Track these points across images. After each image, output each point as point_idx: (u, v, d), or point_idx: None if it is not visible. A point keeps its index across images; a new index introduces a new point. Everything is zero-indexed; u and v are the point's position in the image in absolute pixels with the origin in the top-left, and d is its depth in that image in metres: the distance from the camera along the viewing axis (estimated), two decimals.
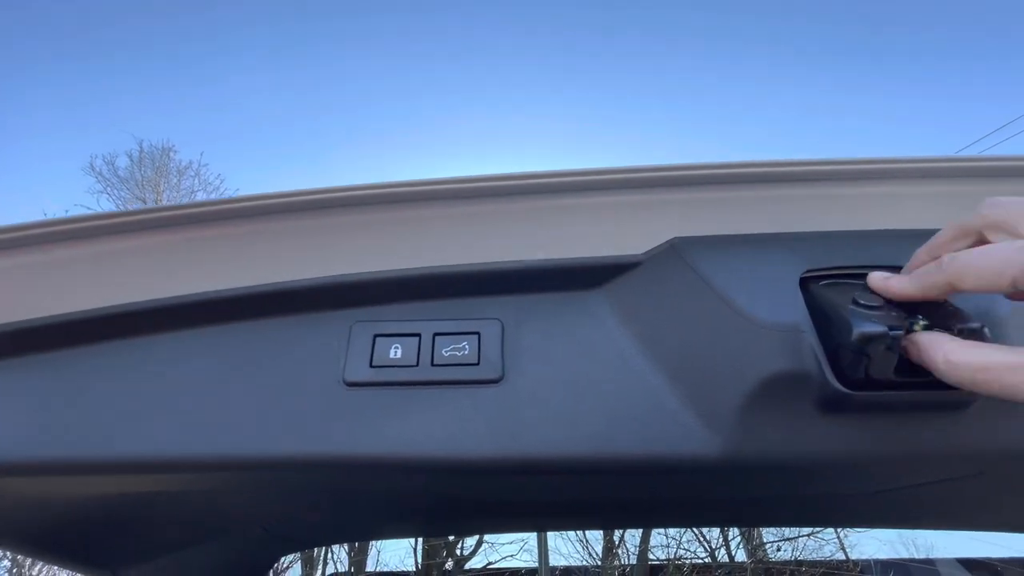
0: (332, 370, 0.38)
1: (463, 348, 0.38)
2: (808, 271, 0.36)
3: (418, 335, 0.39)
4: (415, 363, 0.38)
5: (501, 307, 0.40)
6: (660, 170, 0.39)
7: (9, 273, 0.39)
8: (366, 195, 0.39)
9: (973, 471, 0.37)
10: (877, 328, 0.31)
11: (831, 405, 0.33)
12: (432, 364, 0.37)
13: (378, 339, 0.39)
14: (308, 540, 0.72)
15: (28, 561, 4.09)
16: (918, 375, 0.32)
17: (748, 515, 0.67)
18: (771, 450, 0.34)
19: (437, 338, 0.38)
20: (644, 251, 0.39)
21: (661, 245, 0.39)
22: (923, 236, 0.33)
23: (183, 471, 0.37)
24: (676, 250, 0.39)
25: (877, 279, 0.33)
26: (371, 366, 0.38)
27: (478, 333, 0.38)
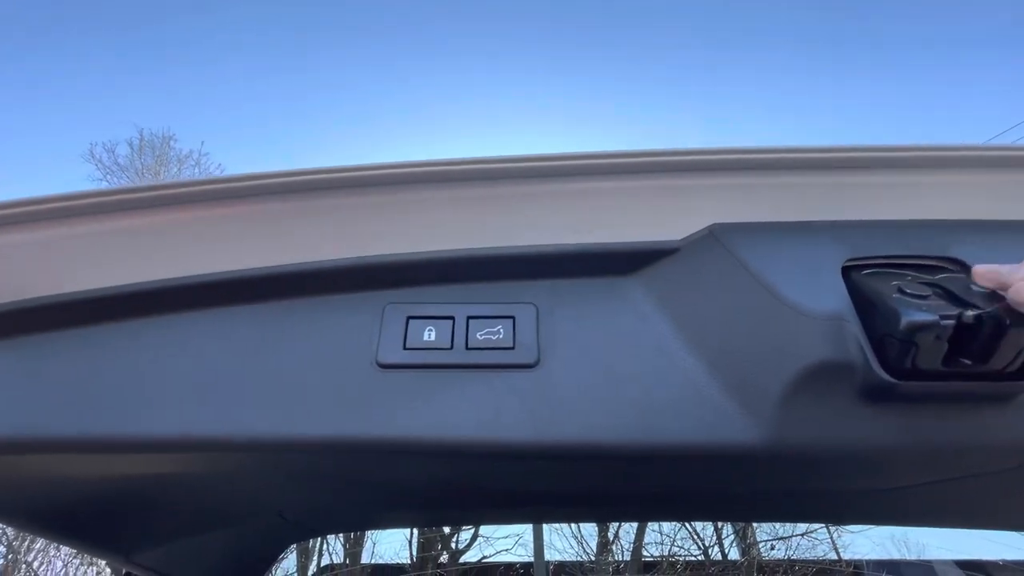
0: (365, 352, 0.37)
1: (498, 332, 0.37)
2: (850, 260, 0.36)
3: (452, 318, 0.38)
4: (449, 346, 0.37)
5: (535, 291, 0.39)
6: (698, 153, 0.38)
7: (41, 247, 0.38)
8: (400, 174, 0.39)
9: (1015, 463, 0.37)
10: (928, 317, 0.30)
11: (876, 395, 0.32)
12: (467, 347, 0.37)
13: (411, 321, 0.38)
14: (322, 528, 0.72)
15: (24, 546, 4.08)
16: (964, 366, 0.32)
17: (766, 510, 0.67)
18: (814, 439, 0.33)
19: (471, 321, 0.38)
20: (682, 237, 0.39)
21: (700, 231, 0.38)
22: (971, 227, 0.32)
23: (211, 451, 0.36)
24: (715, 236, 0.38)
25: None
26: (404, 348, 0.37)
27: (513, 317, 0.38)
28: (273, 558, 0.80)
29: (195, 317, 0.38)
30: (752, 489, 0.49)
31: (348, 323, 0.38)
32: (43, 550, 4.23)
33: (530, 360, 0.36)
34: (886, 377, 0.31)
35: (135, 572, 0.63)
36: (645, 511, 0.71)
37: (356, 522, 0.77)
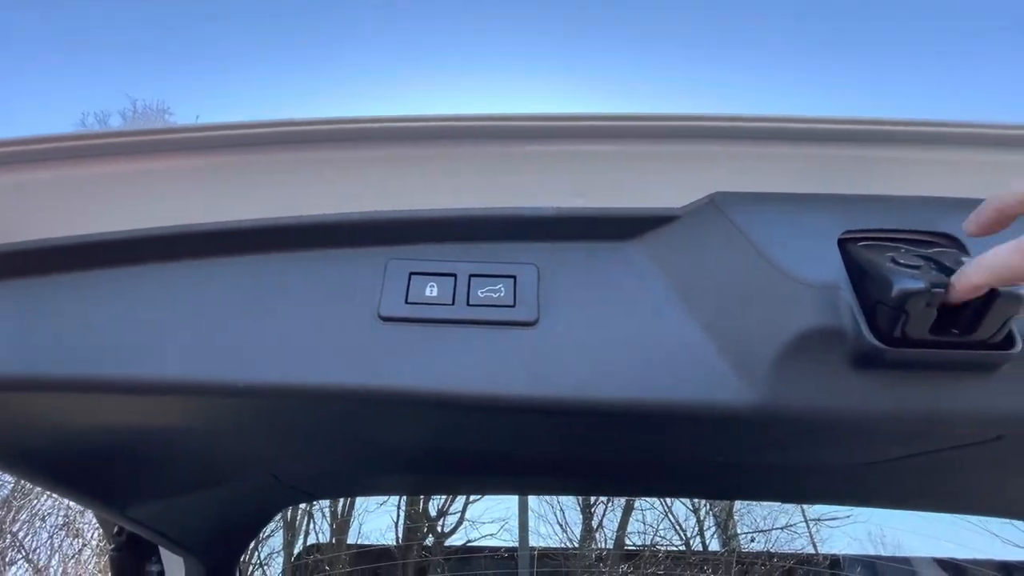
0: (367, 304, 0.38)
1: (499, 290, 0.38)
2: (847, 232, 0.37)
3: (454, 275, 0.39)
4: (451, 302, 0.38)
5: (537, 253, 0.40)
6: (703, 119, 0.39)
7: (47, 187, 0.38)
8: (407, 128, 0.39)
9: (993, 435, 0.38)
10: (919, 284, 0.31)
11: (865, 361, 0.33)
12: (468, 304, 0.38)
13: (414, 277, 0.38)
14: (315, 491, 0.72)
15: (10, 517, 4.07)
16: (951, 336, 0.33)
17: (751, 487, 0.69)
18: (803, 402, 0.34)
19: (473, 279, 0.38)
20: (683, 204, 0.39)
21: (701, 199, 0.39)
22: (965, 204, 0.33)
23: (210, 395, 0.37)
24: (716, 205, 0.39)
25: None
26: (407, 303, 0.38)
27: (514, 276, 0.39)
28: (265, 521, 0.81)
29: (200, 264, 0.39)
30: (739, 461, 0.50)
31: (351, 276, 0.39)
32: (28, 521, 4.23)
33: (530, 318, 0.37)
34: (876, 343, 0.32)
35: (129, 527, 0.64)
36: (633, 485, 0.73)
37: (348, 487, 0.78)
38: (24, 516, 4.22)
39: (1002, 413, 0.34)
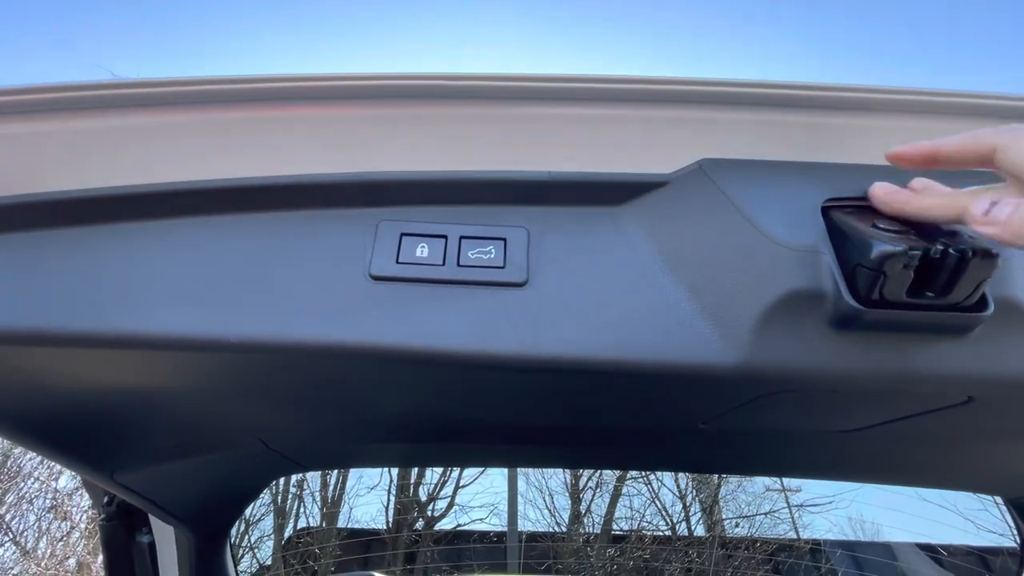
0: (358, 264, 0.38)
1: (489, 252, 0.38)
2: (830, 200, 0.38)
3: (445, 237, 0.39)
4: (441, 263, 0.38)
5: (527, 216, 0.40)
6: (692, 83, 0.39)
7: (41, 138, 0.37)
8: (398, 87, 0.39)
9: (962, 397, 0.39)
10: (897, 247, 0.32)
11: (844, 321, 0.35)
12: (458, 265, 0.38)
13: (404, 238, 0.39)
14: (304, 461, 0.73)
15: None
16: (927, 298, 0.34)
17: (730, 459, 0.70)
18: (783, 362, 0.35)
19: (463, 240, 0.39)
20: (672, 171, 0.40)
21: (690, 166, 0.40)
22: (947, 174, 0.34)
23: (200, 350, 0.37)
24: (704, 171, 0.39)
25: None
26: (397, 262, 0.38)
27: (504, 239, 0.39)
28: (255, 492, 0.81)
29: (191, 222, 0.39)
30: (719, 429, 0.51)
31: (342, 236, 0.39)
32: (16, 504, 4.21)
33: (520, 279, 0.38)
34: (854, 304, 0.33)
35: (119, 493, 0.64)
36: (616, 456, 0.74)
37: (337, 458, 0.78)
38: (11, 499, 4.20)
39: (973, 373, 0.36)
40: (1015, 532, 0.88)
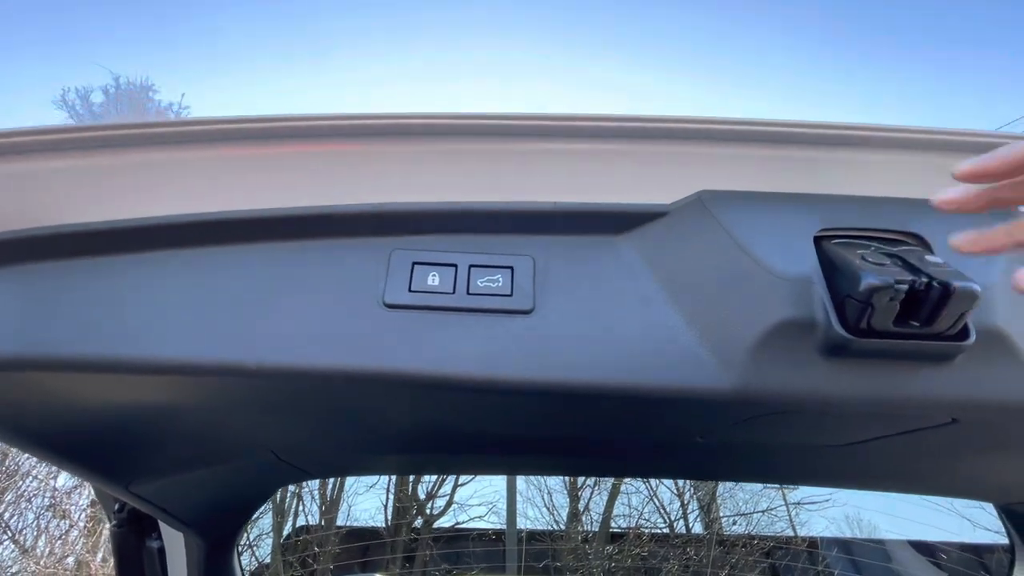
0: (372, 292, 0.40)
1: (497, 280, 0.40)
2: (822, 230, 0.40)
3: (455, 265, 0.41)
4: (452, 291, 0.40)
5: (533, 245, 0.42)
6: (691, 122, 0.41)
7: (63, 175, 0.39)
8: (409, 125, 0.41)
9: (947, 418, 0.41)
10: (885, 280, 0.34)
11: (834, 350, 0.36)
12: (468, 293, 0.40)
13: (416, 267, 0.41)
14: (313, 470, 0.75)
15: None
16: (912, 328, 0.36)
17: (728, 468, 0.72)
18: (776, 387, 0.37)
19: (473, 269, 0.41)
20: (672, 202, 0.42)
21: (689, 197, 0.42)
22: (930, 206, 0.36)
23: (217, 376, 0.39)
24: (703, 202, 0.41)
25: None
26: (410, 291, 0.40)
27: (511, 267, 0.41)
28: (263, 498, 0.83)
29: (210, 252, 0.40)
30: (717, 442, 0.53)
31: (357, 265, 0.41)
32: (14, 503, 4.21)
33: (526, 307, 0.39)
34: (844, 334, 0.35)
35: (133, 502, 0.66)
36: (618, 465, 0.76)
37: (345, 467, 0.80)
38: (9, 497, 4.20)
39: (956, 398, 0.38)
40: (1007, 534, 0.90)
